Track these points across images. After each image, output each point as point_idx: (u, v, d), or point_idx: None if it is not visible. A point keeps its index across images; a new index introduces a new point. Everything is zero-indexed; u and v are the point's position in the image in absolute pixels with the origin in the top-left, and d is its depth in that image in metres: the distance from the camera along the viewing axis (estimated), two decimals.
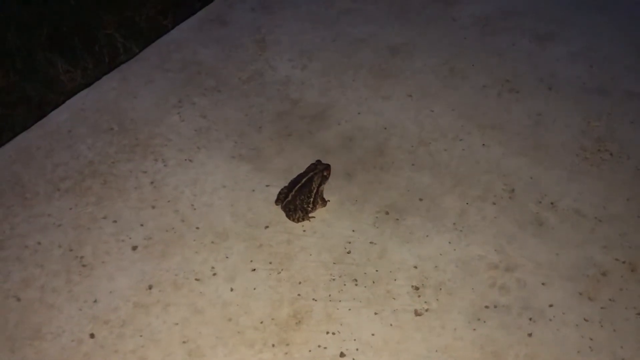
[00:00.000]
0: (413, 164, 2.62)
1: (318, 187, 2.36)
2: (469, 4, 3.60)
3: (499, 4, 3.60)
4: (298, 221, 2.35)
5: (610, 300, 2.12)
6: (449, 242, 2.31)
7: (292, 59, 3.20)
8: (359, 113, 2.89)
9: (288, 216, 2.35)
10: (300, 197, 2.33)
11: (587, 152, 2.66)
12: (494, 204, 2.45)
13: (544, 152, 2.67)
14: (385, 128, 2.80)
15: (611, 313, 2.08)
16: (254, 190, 2.50)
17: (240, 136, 2.74)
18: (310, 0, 3.63)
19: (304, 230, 2.34)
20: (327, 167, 2.39)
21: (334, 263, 2.23)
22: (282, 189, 2.41)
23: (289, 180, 2.42)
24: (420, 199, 2.47)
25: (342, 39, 3.34)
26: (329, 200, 2.42)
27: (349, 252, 2.27)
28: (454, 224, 2.37)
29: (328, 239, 2.32)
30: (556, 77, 3.07)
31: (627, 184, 2.52)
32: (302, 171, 2.41)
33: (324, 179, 2.38)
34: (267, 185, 2.51)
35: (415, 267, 2.23)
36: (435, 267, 2.23)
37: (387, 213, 2.42)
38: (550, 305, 2.10)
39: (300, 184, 2.34)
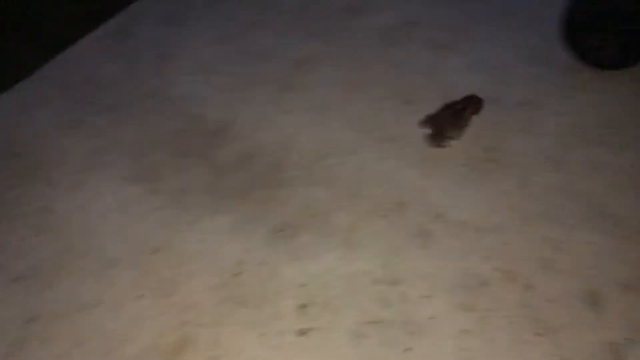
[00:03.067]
0: (309, 180, 2.65)
1: (468, 119, 2.68)
2: (372, 15, 3.66)
3: (402, 15, 3.66)
4: (434, 142, 2.65)
5: (487, 310, 2.20)
6: (339, 258, 2.35)
7: (195, 74, 3.18)
8: (259, 129, 2.89)
9: (429, 136, 2.68)
10: (449, 120, 2.64)
11: (475, 162, 2.74)
12: (384, 217, 2.50)
13: (433, 163, 2.73)
14: (285, 143, 2.82)
15: (488, 323, 2.16)
16: (144, 214, 2.47)
17: (135, 157, 2.71)
18: (216, 14, 3.62)
19: (196, 252, 2.34)
20: (481, 101, 2.77)
21: (222, 286, 2.24)
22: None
23: (181, 202, 2.41)
24: (313, 216, 2.50)
25: (247, 53, 3.34)
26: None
27: (238, 274, 2.28)
28: (344, 239, 2.42)
29: (218, 261, 2.32)
30: (453, 87, 3.14)
31: (511, 193, 2.62)
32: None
33: (476, 110, 2.74)
34: (157, 209, 2.49)
35: (304, 285, 2.26)
36: (323, 284, 2.26)
37: (280, 231, 2.44)
38: (430, 318, 2.17)
39: (453, 110, 2.66)
